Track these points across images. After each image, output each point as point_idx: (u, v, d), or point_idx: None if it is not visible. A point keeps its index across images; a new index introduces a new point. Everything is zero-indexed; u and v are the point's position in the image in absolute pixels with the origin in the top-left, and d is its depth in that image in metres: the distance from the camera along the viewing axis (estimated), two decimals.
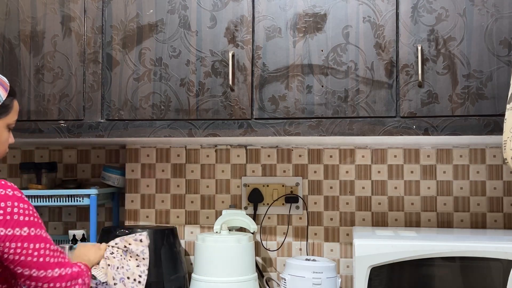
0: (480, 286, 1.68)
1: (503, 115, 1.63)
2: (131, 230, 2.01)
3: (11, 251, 1.36)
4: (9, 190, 1.39)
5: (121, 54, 1.93)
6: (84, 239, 2.14)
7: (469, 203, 2.13)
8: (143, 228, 2.07)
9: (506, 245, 1.65)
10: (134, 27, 1.93)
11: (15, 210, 1.37)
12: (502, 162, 2.12)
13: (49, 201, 2.11)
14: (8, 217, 1.36)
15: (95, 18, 1.95)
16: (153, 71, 1.91)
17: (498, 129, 1.73)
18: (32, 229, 1.38)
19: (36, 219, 1.40)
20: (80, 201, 2.10)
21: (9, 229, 1.35)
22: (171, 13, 1.91)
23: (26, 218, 1.38)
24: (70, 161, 2.39)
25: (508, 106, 1.55)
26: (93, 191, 2.09)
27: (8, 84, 1.54)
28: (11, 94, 1.54)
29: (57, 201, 2.11)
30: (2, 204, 1.36)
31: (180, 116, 1.89)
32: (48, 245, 1.40)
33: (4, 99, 1.51)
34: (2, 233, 1.34)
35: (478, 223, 2.12)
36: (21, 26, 1.99)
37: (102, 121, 1.94)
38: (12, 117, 1.55)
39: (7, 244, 1.35)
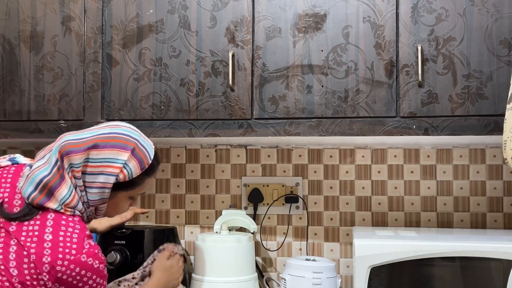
0: (480, 286, 1.68)
1: (503, 115, 1.63)
2: (131, 230, 2.01)
3: None
4: (96, 262, 1.35)
5: (121, 54, 1.93)
6: None
7: (469, 203, 2.13)
8: (143, 228, 2.07)
9: (506, 245, 1.65)
10: (134, 27, 1.93)
11: (90, 282, 1.34)
12: (502, 162, 2.12)
13: None
14: (80, 285, 1.33)
15: (95, 18, 1.95)
16: (153, 71, 1.91)
17: (498, 129, 1.73)
18: None
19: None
20: None
21: None
22: (171, 13, 1.91)
23: None
24: None
25: (508, 106, 1.55)
26: None
27: (150, 161, 1.46)
28: (147, 172, 1.46)
29: None
30: (83, 272, 1.33)
31: (180, 116, 1.89)
32: None
33: (134, 176, 1.44)
34: None
35: (478, 223, 2.12)
36: (21, 26, 1.99)
37: (102, 121, 1.94)
38: (137, 191, 1.50)
39: None
